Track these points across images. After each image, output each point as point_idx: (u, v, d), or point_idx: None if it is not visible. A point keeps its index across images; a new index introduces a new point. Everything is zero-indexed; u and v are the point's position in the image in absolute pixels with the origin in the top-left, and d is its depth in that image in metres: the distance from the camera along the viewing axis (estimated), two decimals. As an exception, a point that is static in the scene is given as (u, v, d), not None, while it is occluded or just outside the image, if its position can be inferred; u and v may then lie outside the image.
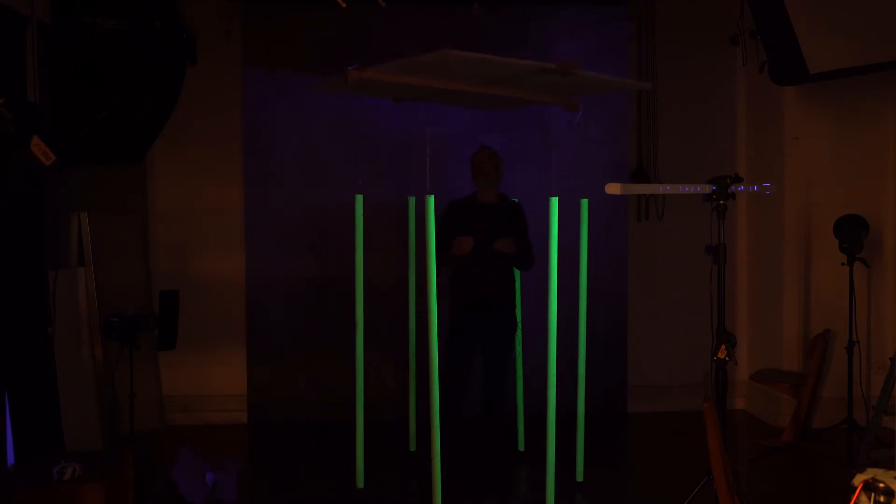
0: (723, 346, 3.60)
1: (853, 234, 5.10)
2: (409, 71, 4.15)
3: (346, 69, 4.01)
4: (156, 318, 4.95)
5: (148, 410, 5.60)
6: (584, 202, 4.49)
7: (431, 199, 3.98)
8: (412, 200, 5.09)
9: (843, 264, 5.12)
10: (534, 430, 5.21)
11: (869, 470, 2.08)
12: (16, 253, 4.33)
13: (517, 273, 4.95)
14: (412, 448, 5.15)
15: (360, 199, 4.43)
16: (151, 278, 5.86)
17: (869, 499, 2.03)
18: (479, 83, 4.53)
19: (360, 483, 4.47)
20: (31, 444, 4.19)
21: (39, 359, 4.47)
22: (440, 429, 4.00)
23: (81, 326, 5.07)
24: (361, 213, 4.43)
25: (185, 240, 6.07)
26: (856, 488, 2.05)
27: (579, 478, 4.56)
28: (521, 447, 5.19)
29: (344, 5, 4.22)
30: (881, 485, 2.02)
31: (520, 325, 4.99)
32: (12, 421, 3.96)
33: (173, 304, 5.01)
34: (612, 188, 3.73)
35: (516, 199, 4.94)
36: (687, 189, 3.75)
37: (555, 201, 4.03)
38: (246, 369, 6.01)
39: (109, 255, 5.42)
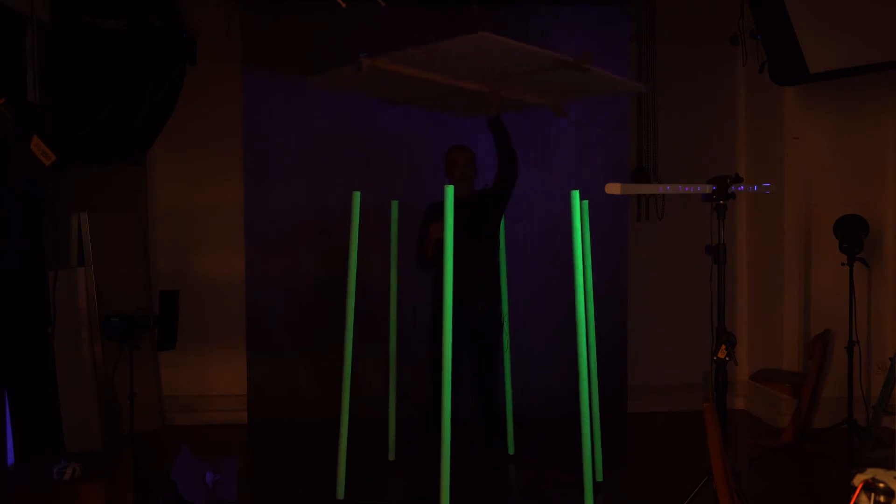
0: (723, 346, 3.59)
1: (853, 234, 5.10)
2: (424, 61, 4.05)
3: (359, 56, 3.89)
4: (156, 318, 4.97)
5: (148, 410, 5.60)
6: (575, 194, 4.32)
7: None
8: None
9: (843, 264, 5.12)
10: (526, 430, 5.22)
11: (869, 470, 2.07)
12: (16, 253, 4.33)
13: (503, 267, 4.88)
14: (391, 455, 5.08)
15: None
16: (151, 278, 5.85)
17: (869, 499, 2.03)
18: (483, 79, 4.51)
19: (341, 495, 4.41)
20: (31, 444, 4.19)
21: (39, 359, 4.47)
22: (432, 430, 3.97)
23: (81, 326, 5.07)
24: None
25: (185, 239, 6.07)
26: (856, 488, 2.05)
27: (599, 477, 4.52)
28: (511, 450, 5.16)
29: (344, 5, 4.22)
30: (881, 485, 2.01)
31: (506, 320, 4.86)
32: (12, 421, 3.96)
33: (173, 304, 5.02)
34: (612, 188, 3.73)
35: (486, 185, 4.83)
36: (687, 189, 3.75)
37: (576, 194, 3.95)
38: (246, 369, 6.01)
39: (109, 255, 5.42)
